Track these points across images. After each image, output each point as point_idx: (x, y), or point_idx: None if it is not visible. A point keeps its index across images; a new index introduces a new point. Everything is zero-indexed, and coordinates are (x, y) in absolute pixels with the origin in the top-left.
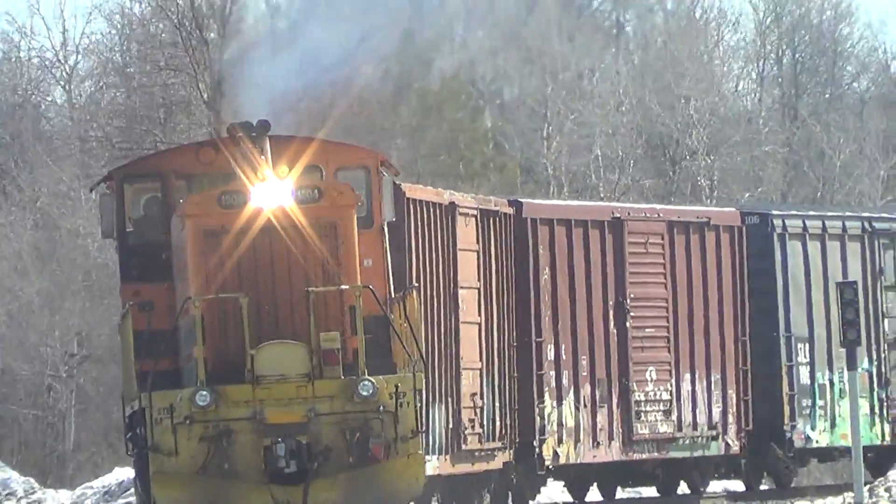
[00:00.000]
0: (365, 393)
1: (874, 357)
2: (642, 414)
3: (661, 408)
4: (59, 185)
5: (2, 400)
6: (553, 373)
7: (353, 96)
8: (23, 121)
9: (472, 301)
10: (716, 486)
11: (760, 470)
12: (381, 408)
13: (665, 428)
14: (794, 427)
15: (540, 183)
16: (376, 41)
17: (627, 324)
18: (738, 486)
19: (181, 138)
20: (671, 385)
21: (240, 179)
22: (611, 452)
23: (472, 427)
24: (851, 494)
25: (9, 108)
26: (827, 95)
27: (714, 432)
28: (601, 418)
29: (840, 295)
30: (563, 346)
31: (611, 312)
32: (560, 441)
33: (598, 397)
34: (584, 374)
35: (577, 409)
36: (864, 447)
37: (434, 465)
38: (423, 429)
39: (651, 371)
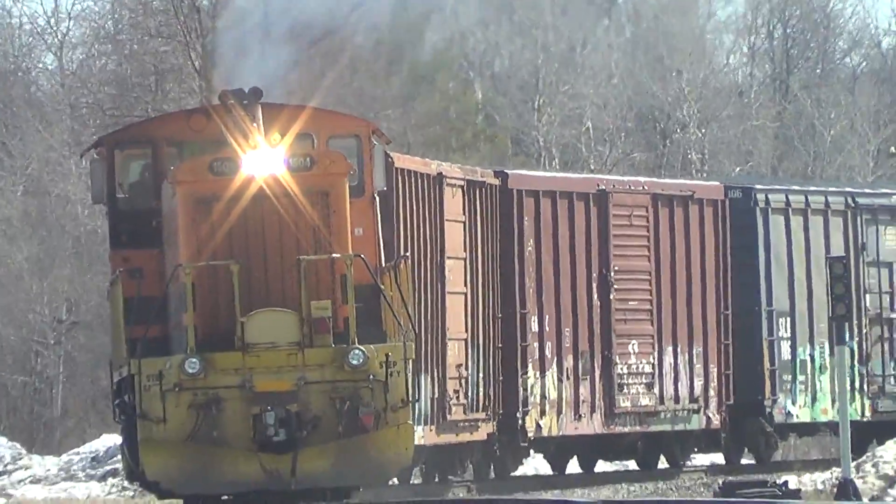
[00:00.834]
0: (355, 362)
1: (855, 333)
2: (625, 387)
3: (644, 381)
4: (49, 152)
5: None
6: (537, 344)
7: (345, 66)
8: (14, 87)
9: (459, 272)
10: (703, 460)
11: (741, 444)
12: (372, 377)
13: (647, 401)
14: (774, 402)
15: (530, 155)
16: (368, 11)
17: (611, 296)
18: (718, 459)
19: (172, 106)
20: (653, 358)
21: (231, 147)
22: (592, 425)
23: (457, 398)
24: (838, 469)
25: (0, 75)
26: (818, 70)
27: (695, 406)
28: (584, 391)
29: (829, 270)
30: (547, 318)
31: (594, 285)
32: (542, 413)
33: (580, 369)
34: (567, 345)
35: (559, 381)
36: None
37: (419, 436)
38: (415, 398)
39: (634, 344)
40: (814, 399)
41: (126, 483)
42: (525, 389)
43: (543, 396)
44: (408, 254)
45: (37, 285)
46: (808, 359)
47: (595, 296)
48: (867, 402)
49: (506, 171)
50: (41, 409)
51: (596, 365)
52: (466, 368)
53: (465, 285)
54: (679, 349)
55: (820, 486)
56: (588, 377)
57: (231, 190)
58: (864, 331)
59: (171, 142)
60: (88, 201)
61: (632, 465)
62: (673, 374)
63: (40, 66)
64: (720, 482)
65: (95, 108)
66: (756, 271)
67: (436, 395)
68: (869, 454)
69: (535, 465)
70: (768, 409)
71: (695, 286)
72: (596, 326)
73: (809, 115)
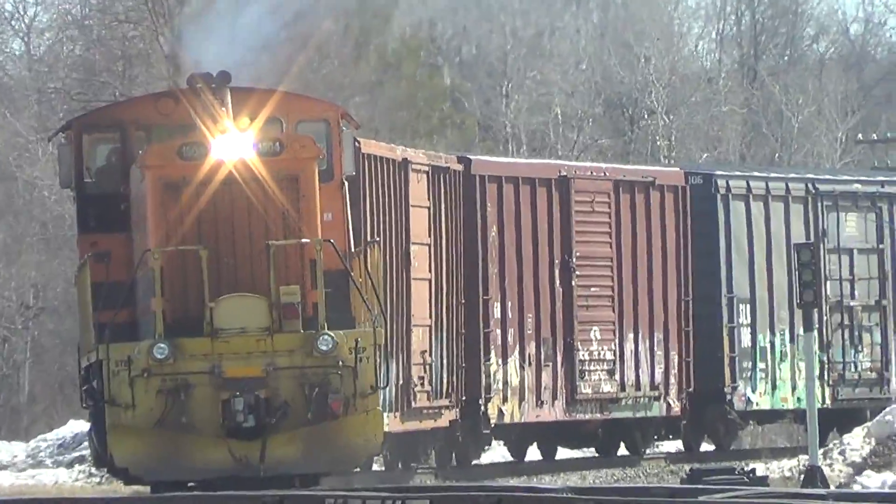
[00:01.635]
0: (324, 347)
1: (815, 320)
2: (586, 373)
3: (605, 367)
4: (16, 138)
5: None
6: (499, 331)
7: (312, 51)
8: None
9: (424, 257)
10: (669, 447)
11: (701, 431)
12: (341, 363)
13: (608, 388)
14: (734, 389)
15: (498, 141)
16: None
17: (573, 282)
18: (677, 447)
19: (140, 91)
20: (615, 345)
21: (200, 131)
22: (554, 412)
23: (422, 384)
24: (805, 457)
25: None
26: (786, 57)
27: (656, 393)
28: (545, 377)
29: (797, 256)
30: (510, 304)
31: (556, 271)
32: (505, 399)
33: (542, 356)
34: (530, 332)
35: (521, 367)
36: (803, 410)
37: (384, 423)
38: (384, 384)
39: (595, 330)
40: (774, 386)
41: (94, 469)
42: (488, 376)
43: (506, 383)
44: (378, 239)
45: (4, 271)
46: (769, 346)
47: (557, 282)
48: (828, 390)
49: (469, 156)
50: (8, 394)
51: (558, 351)
52: (431, 355)
53: (430, 271)
54: (640, 336)
55: (787, 474)
56: (550, 364)
57: (200, 174)
58: (826, 318)
59: (140, 125)
60: (56, 187)
61: (591, 452)
62: (634, 361)
63: (7, 51)
64: (687, 469)
65: (63, 94)
66: (717, 258)
67: (400, 382)
68: (836, 441)
69: (496, 452)
70: (728, 397)
71: (656, 273)
72: (558, 313)
73: (777, 102)
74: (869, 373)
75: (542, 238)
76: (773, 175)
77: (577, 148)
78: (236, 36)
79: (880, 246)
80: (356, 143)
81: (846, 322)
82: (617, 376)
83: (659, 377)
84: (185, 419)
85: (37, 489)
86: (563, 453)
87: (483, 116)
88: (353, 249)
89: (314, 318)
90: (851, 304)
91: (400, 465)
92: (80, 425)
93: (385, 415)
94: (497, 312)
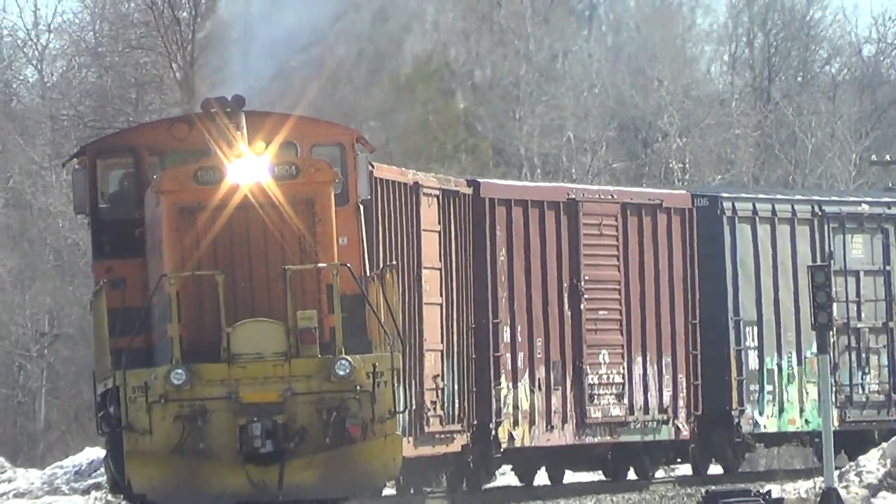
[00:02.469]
0: (342, 372)
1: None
2: (595, 397)
3: (614, 391)
4: (30, 165)
5: None
6: (509, 355)
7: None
8: None
9: (435, 282)
10: (684, 471)
11: (708, 454)
12: (358, 387)
13: (617, 411)
14: (742, 412)
15: (512, 165)
16: (349, 22)
17: (582, 306)
18: (686, 471)
19: (153, 118)
20: (623, 368)
21: (216, 155)
22: (564, 436)
23: (434, 409)
24: (822, 479)
25: None
26: (799, 78)
27: (664, 416)
28: (555, 401)
29: (812, 278)
30: (519, 328)
31: (565, 294)
32: (515, 423)
33: (552, 380)
34: (539, 356)
35: (532, 391)
36: (811, 433)
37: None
38: (402, 409)
39: (604, 354)
40: (781, 409)
41: (110, 496)
42: (498, 400)
43: (516, 407)
44: (395, 262)
45: (19, 298)
46: (776, 368)
47: (566, 305)
48: (835, 412)
49: (478, 179)
50: (24, 422)
51: (567, 375)
52: (443, 379)
53: (441, 295)
54: (648, 359)
55: (804, 496)
56: (559, 387)
57: (216, 199)
58: (832, 340)
59: (154, 150)
60: (70, 214)
61: (599, 476)
62: (643, 385)
63: (21, 78)
64: (703, 492)
65: (76, 121)
66: (723, 280)
67: (413, 407)
68: (852, 463)
69: (504, 476)
70: (736, 420)
71: (663, 296)
72: (567, 336)
73: (790, 124)
74: (877, 395)
75: (551, 261)
76: (778, 197)
77: (591, 172)
78: (248, 63)
79: (887, 267)
80: (370, 167)
81: (853, 344)
82: (626, 400)
83: (667, 400)
84: (203, 445)
85: None
86: (569, 477)
87: (496, 140)
88: (368, 273)
89: (331, 343)
90: (858, 325)
91: (412, 490)
92: (96, 452)
93: None
94: (507, 336)
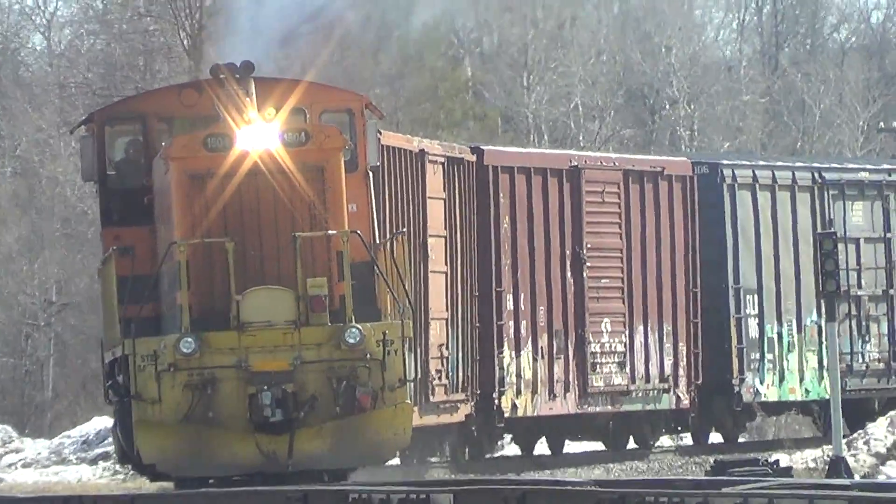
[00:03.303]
0: (352, 340)
1: (822, 310)
2: (598, 366)
3: (616, 360)
4: (38, 133)
5: None
6: (512, 323)
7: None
8: (2, 68)
9: (440, 250)
10: (687, 440)
11: (709, 424)
12: (369, 356)
13: (619, 380)
14: (742, 380)
15: (520, 132)
16: None
17: (584, 274)
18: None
19: (161, 86)
20: (625, 337)
21: (225, 122)
22: (566, 405)
23: (440, 378)
24: (830, 447)
25: None
26: (807, 45)
27: (665, 385)
28: (558, 370)
29: (819, 245)
30: (522, 296)
31: (568, 262)
32: (518, 393)
33: (555, 348)
34: (542, 324)
35: (534, 360)
36: (812, 401)
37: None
38: (412, 377)
39: (606, 322)
40: (781, 378)
41: (118, 466)
42: (501, 369)
43: (519, 376)
44: (404, 230)
45: (27, 267)
46: (776, 336)
47: (568, 273)
48: None
49: (481, 146)
50: (32, 391)
51: (569, 344)
52: (447, 348)
53: (446, 263)
54: (649, 328)
55: (811, 465)
56: (562, 356)
57: (226, 166)
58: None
59: (162, 117)
60: (78, 182)
61: (598, 445)
62: (644, 354)
63: (29, 46)
64: (712, 461)
65: (84, 89)
66: (723, 248)
67: (419, 376)
68: (860, 431)
69: (506, 445)
70: (736, 389)
71: (664, 264)
72: (569, 305)
73: (799, 91)
74: (877, 363)
75: (554, 229)
76: (779, 164)
77: (599, 139)
78: (257, 30)
79: (887, 235)
80: (379, 133)
81: (853, 312)
82: (627, 369)
83: (668, 369)
84: (212, 414)
85: (61, 486)
86: (569, 447)
87: (504, 108)
88: (377, 241)
89: (341, 311)
90: (859, 293)
91: (415, 461)
92: (104, 422)
93: None
94: (510, 304)
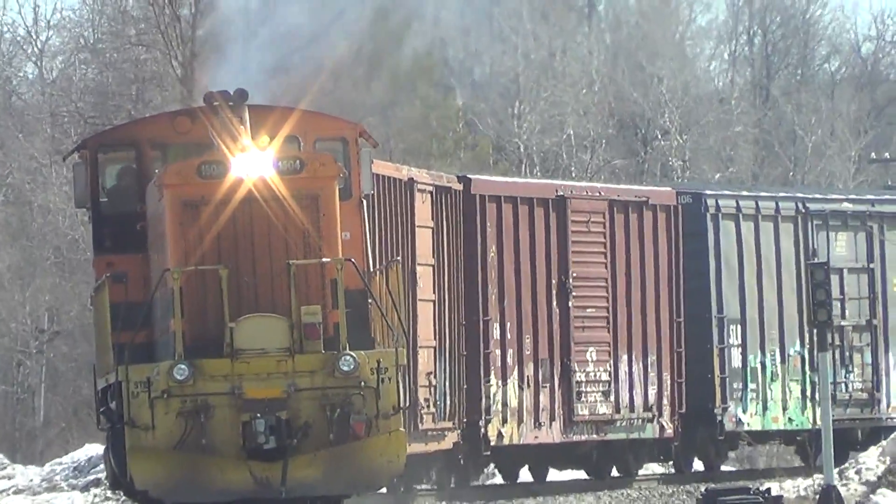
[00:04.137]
0: (346, 368)
1: (805, 340)
2: (583, 395)
3: (601, 389)
4: (30, 161)
5: None
6: (498, 352)
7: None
8: None
9: (428, 278)
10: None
11: (691, 452)
12: (363, 383)
13: (604, 409)
14: (725, 410)
15: (511, 162)
16: (349, 19)
17: (570, 303)
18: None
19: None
20: (610, 366)
21: (219, 149)
22: (552, 434)
23: (427, 406)
24: (820, 476)
25: None
26: (798, 76)
27: (649, 414)
28: (543, 398)
29: (811, 275)
30: (508, 325)
31: (554, 291)
32: (504, 421)
33: (540, 377)
34: (528, 353)
35: (520, 388)
36: (794, 431)
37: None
38: (406, 405)
39: (591, 351)
40: (765, 407)
41: (109, 493)
42: (488, 397)
43: (505, 404)
44: (398, 258)
45: (18, 294)
46: (759, 366)
47: (554, 303)
48: (818, 410)
49: (469, 175)
50: (23, 418)
51: (555, 372)
52: (435, 377)
53: (434, 292)
54: (634, 357)
55: (802, 493)
56: (548, 385)
57: (219, 193)
58: (815, 338)
59: (155, 144)
60: (70, 210)
61: (581, 474)
62: (628, 383)
63: (21, 74)
64: (702, 490)
65: (76, 117)
66: (707, 278)
67: (408, 404)
68: (852, 461)
69: (490, 474)
70: (719, 418)
71: (649, 293)
72: (555, 334)
73: (790, 121)
74: (860, 393)
75: (540, 258)
76: (762, 194)
77: (591, 169)
78: (249, 60)
79: (871, 265)
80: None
81: (837, 342)
82: (612, 398)
83: (652, 398)
84: (206, 441)
85: None
86: (553, 475)
87: (496, 137)
88: (371, 269)
89: (335, 339)
90: (843, 324)
91: (402, 488)
92: (96, 448)
93: None
94: (496, 333)
